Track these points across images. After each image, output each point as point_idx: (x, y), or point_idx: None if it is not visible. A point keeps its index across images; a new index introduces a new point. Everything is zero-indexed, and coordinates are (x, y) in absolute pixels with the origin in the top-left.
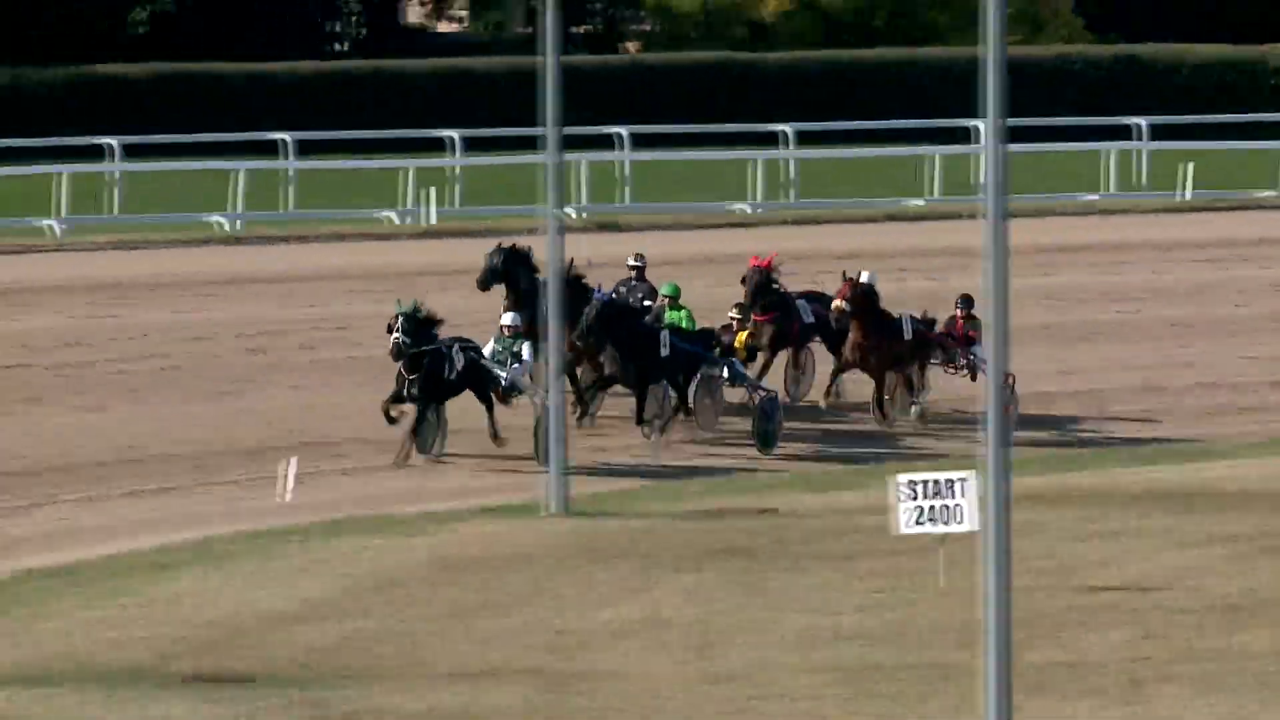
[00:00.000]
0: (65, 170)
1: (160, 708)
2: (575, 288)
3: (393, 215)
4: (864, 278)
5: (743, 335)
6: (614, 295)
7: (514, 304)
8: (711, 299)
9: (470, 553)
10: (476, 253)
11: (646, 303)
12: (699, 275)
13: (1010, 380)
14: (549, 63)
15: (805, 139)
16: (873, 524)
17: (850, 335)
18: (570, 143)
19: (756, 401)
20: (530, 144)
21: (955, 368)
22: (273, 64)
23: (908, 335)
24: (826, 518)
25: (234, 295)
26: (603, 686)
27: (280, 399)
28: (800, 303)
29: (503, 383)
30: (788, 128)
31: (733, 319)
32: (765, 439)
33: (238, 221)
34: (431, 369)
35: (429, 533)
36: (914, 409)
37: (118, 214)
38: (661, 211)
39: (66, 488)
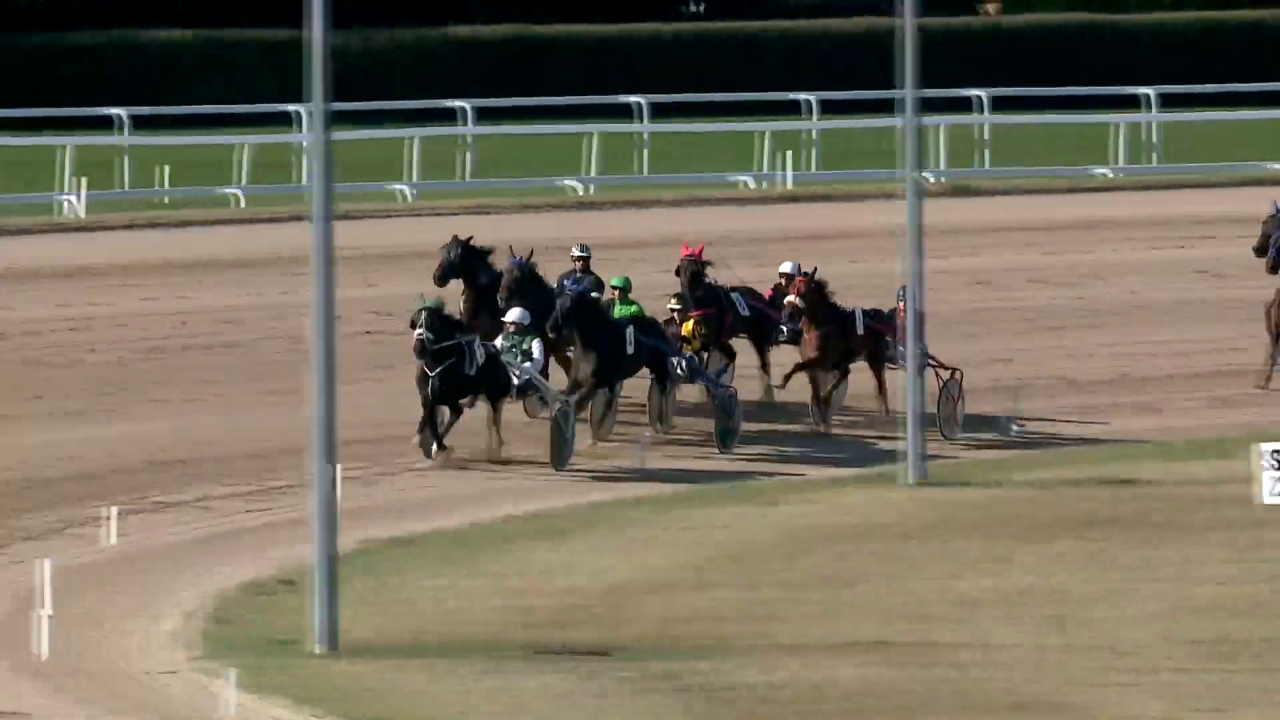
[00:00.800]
0: (417, 134)
1: (511, 680)
2: (532, 280)
3: (748, 179)
4: (787, 268)
5: (688, 326)
6: (581, 288)
7: (472, 299)
8: (1068, 265)
9: (825, 523)
10: (835, 218)
11: (594, 295)
12: (1054, 243)
13: (958, 376)
14: (907, 25)
15: (1170, 102)
16: (1235, 494)
17: (805, 333)
18: (928, 106)
19: (715, 399)
20: (887, 107)
21: (896, 364)
22: (626, 26)
23: (860, 330)
24: (1187, 488)
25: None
26: (963, 658)
27: None
28: (735, 296)
29: (517, 381)
30: (1151, 90)
31: (672, 311)
32: (725, 437)
33: (590, 186)
34: (452, 366)
35: (782, 503)
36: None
37: (469, 179)
38: (1020, 175)
39: (414, 456)
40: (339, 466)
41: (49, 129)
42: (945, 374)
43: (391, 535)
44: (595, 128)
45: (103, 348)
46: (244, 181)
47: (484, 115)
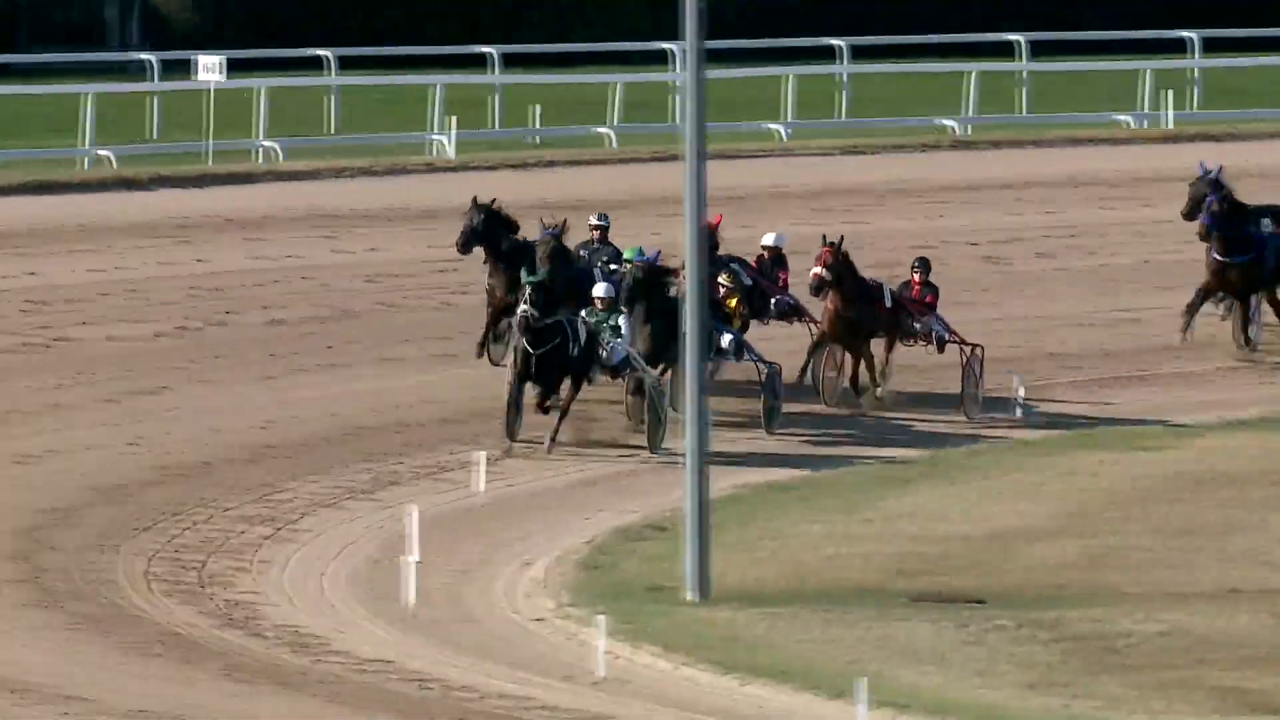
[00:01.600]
0: (792, 72)
1: (884, 628)
2: (563, 253)
3: (1129, 119)
4: (770, 240)
5: (732, 301)
6: (651, 258)
7: (495, 268)
8: None
9: (1214, 468)
10: (1215, 158)
11: (613, 267)
12: None
13: (979, 352)
14: None
15: None
16: None
17: (829, 305)
18: None
19: (763, 376)
20: (1274, 45)
21: (915, 339)
22: None
23: (888, 303)
24: None
25: (964, 201)
26: None
27: (1020, 308)
28: (734, 267)
29: (614, 359)
30: None
31: (722, 285)
32: (771, 415)
33: (968, 126)
34: (557, 346)
35: (1170, 447)
36: (879, 391)
37: (844, 118)
38: None
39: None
40: (710, 412)
41: (421, 67)
42: (967, 350)
43: (764, 480)
44: (973, 66)
45: (475, 289)
46: (616, 121)
47: (859, 54)
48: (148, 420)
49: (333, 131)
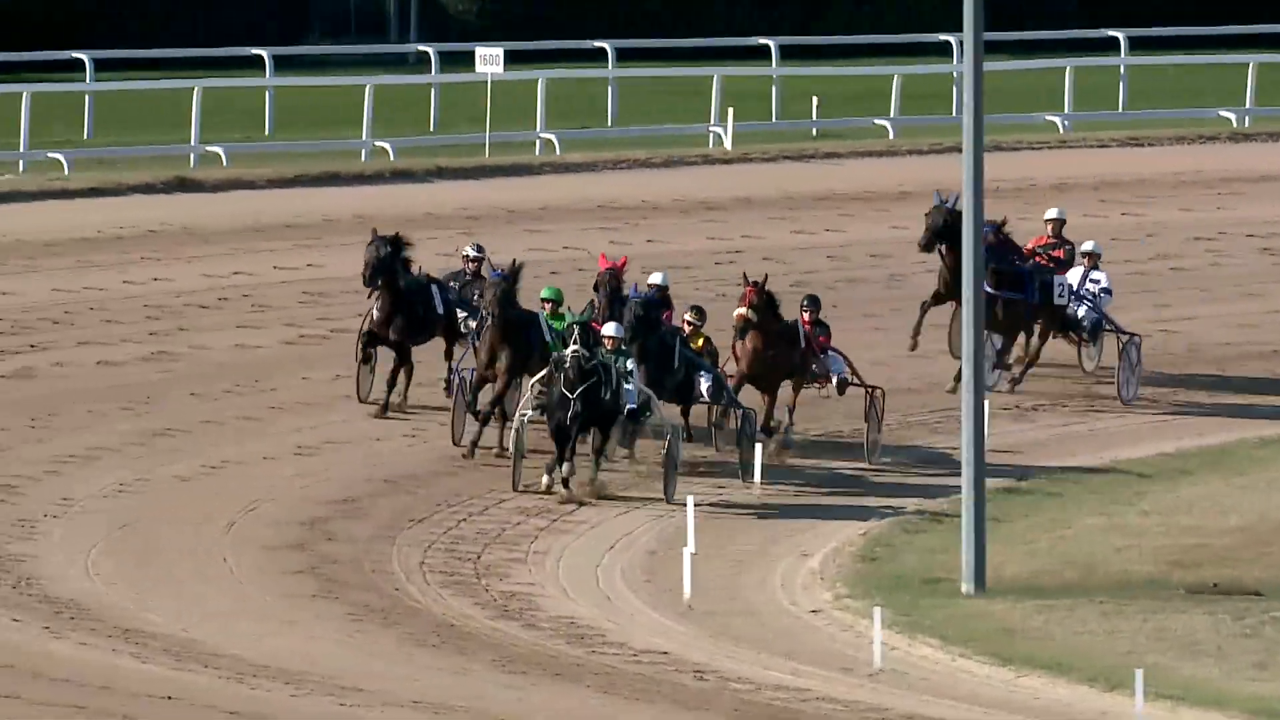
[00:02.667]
0: (1070, 64)
1: (1161, 620)
2: (512, 295)
3: None
4: (656, 279)
5: (698, 343)
6: (649, 296)
7: (389, 303)
8: None
9: None
10: None
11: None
12: None
13: (879, 395)
14: None
15: None
16: None
17: (750, 345)
18: None
19: (743, 425)
20: None
21: (816, 381)
22: None
23: (802, 344)
24: None
25: (1243, 193)
26: None
27: None
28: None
29: (629, 402)
30: None
31: (689, 323)
32: (748, 468)
33: (1246, 117)
34: (593, 386)
35: None
36: (787, 433)
37: (1123, 110)
38: None
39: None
40: (987, 403)
41: (699, 60)
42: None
43: (1040, 472)
44: (1253, 58)
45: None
46: (895, 113)
47: (1136, 45)
48: (425, 410)
49: (611, 123)
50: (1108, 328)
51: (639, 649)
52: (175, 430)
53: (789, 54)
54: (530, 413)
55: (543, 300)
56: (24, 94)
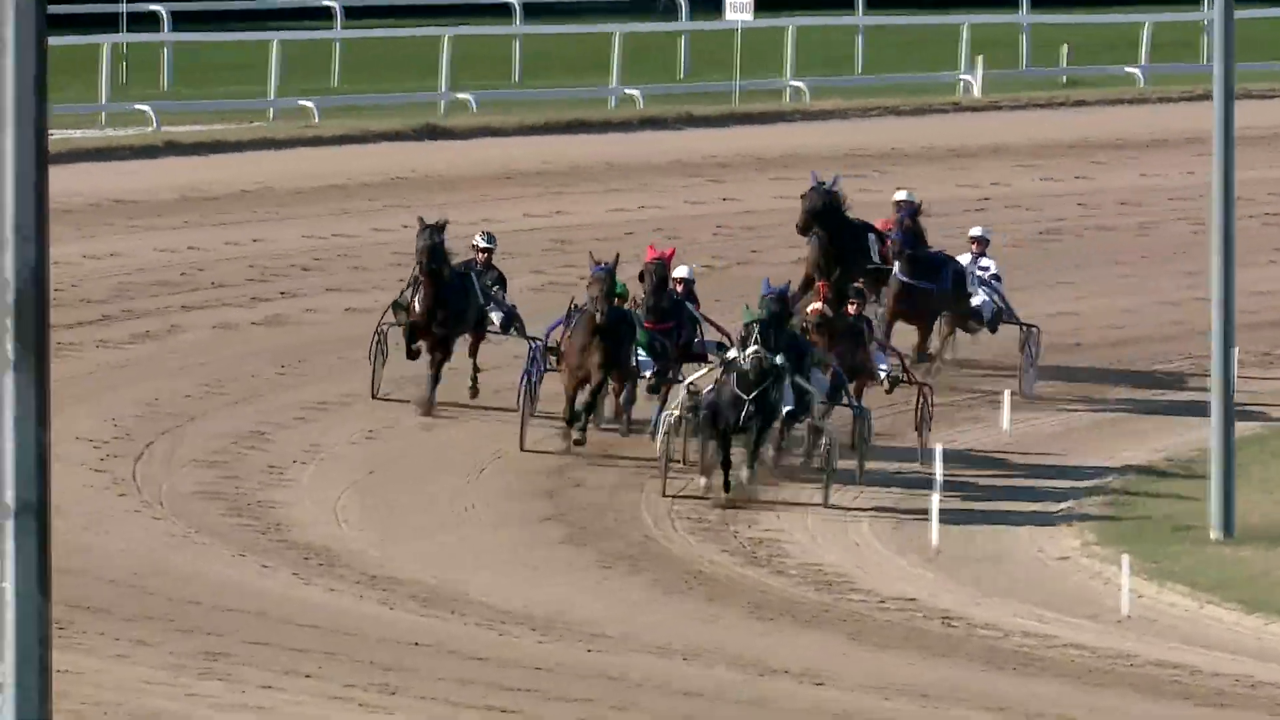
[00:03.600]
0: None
1: None
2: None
3: None
4: (682, 272)
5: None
6: (782, 289)
7: (432, 296)
8: None
9: None
10: None
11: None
12: None
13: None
14: None
15: None
16: None
17: (820, 341)
18: None
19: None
20: None
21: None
22: None
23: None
24: None
25: None
26: None
27: None
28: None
29: (786, 401)
30: None
31: (818, 311)
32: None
33: None
34: (769, 388)
35: None
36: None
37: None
38: None
39: None
40: (1236, 350)
41: (947, 7)
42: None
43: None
44: None
45: (1003, 226)
46: (1145, 60)
47: None
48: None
49: (859, 71)
50: (1007, 319)
51: (886, 596)
52: (422, 377)
53: (1039, 1)
54: (677, 413)
55: (618, 296)
56: (273, 41)
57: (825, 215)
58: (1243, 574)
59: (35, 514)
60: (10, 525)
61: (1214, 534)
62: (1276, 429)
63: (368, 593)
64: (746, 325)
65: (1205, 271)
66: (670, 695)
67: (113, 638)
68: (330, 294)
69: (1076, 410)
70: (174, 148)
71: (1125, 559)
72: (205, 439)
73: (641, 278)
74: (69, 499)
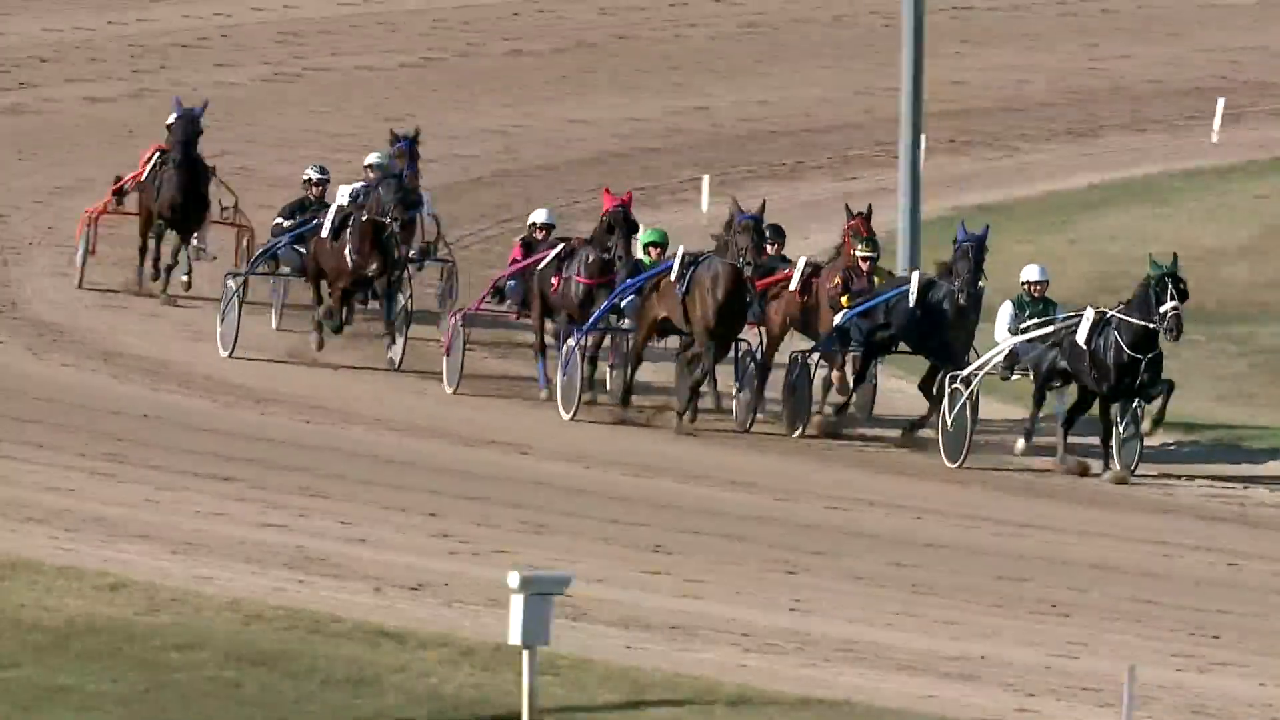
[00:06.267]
0: None
1: None
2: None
3: None
4: (539, 217)
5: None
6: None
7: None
8: None
9: None
10: None
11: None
12: None
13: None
14: None
15: None
16: None
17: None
18: None
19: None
20: None
21: None
22: None
23: None
24: None
25: None
26: None
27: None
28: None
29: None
30: None
31: (864, 258)
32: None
33: None
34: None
35: None
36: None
37: None
38: None
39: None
40: (924, 136)
41: None
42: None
43: (977, 202)
44: None
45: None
46: None
47: None
48: None
49: None
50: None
51: None
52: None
53: None
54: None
55: (646, 245)
56: None
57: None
58: None
59: None
60: None
61: None
62: (964, 210)
63: (100, 367)
64: (1159, 280)
65: (897, 64)
66: (383, 465)
67: None
68: (69, 84)
69: (780, 192)
70: None
71: None
72: None
73: (610, 229)
74: None
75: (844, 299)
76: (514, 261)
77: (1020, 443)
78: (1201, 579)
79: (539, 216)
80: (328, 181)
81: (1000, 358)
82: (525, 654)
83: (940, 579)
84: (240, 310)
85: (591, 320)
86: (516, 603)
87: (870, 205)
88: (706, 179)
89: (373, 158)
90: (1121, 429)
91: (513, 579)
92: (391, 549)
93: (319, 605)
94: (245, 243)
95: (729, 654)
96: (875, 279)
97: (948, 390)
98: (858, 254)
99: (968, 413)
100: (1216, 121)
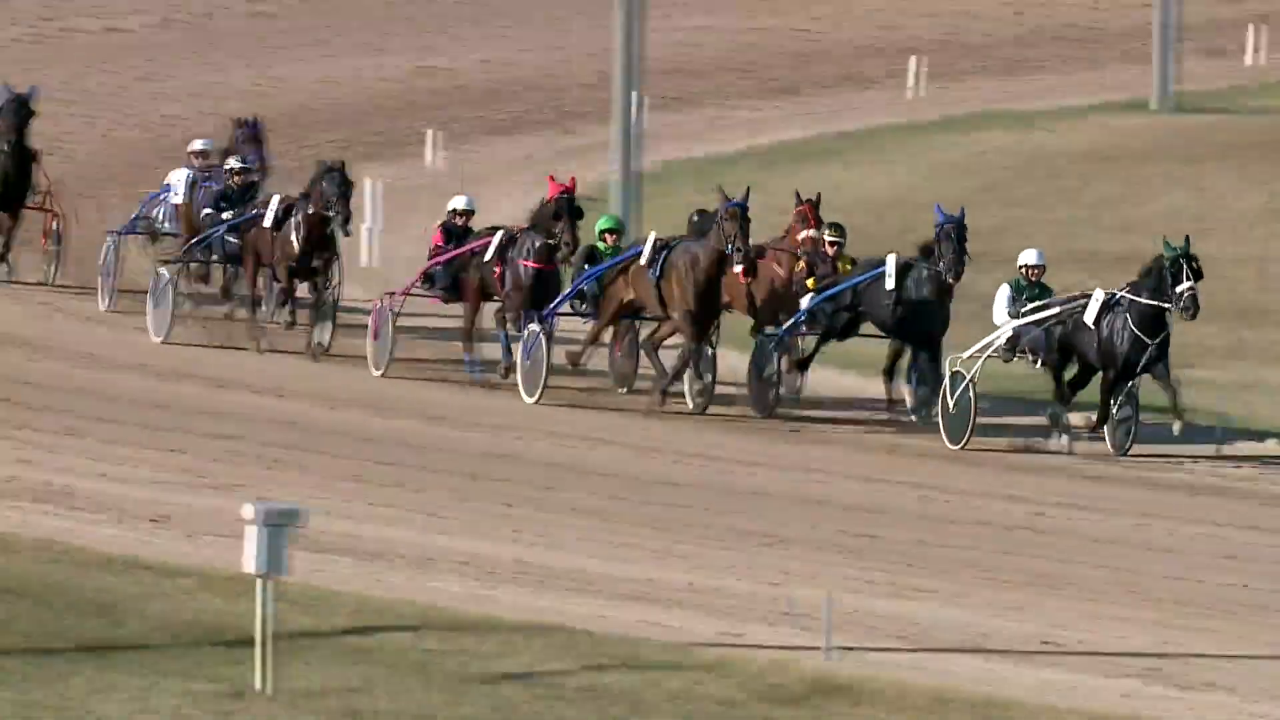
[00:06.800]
0: None
1: None
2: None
3: None
4: (459, 203)
5: (847, 266)
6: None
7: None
8: None
9: (1073, 147)
10: None
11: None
12: None
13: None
14: None
15: None
16: None
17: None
18: None
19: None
20: None
21: None
22: None
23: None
24: None
25: None
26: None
27: None
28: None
29: None
30: None
31: (832, 243)
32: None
33: None
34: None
35: (1047, 128)
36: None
37: None
38: None
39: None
40: (643, 93)
41: None
42: None
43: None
44: None
45: None
46: None
47: None
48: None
49: None
50: None
51: None
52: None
53: None
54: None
55: (602, 231)
56: None
57: None
58: None
59: None
60: None
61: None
62: (695, 161)
63: None
64: (1174, 261)
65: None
66: (146, 409)
67: None
68: None
69: (505, 147)
70: None
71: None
72: None
73: (556, 216)
74: None
75: (809, 282)
76: (439, 248)
77: (1062, 438)
78: (914, 512)
79: (459, 203)
80: (250, 170)
81: (1002, 340)
82: (260, 582)
83: (671, 515)
84: (174, 297)
85: (554, 305)
86: (250, 533)
87: (819, 193)
88: (430, 132)
89: (198, 144)
90: (1116, 410)
91: (247, 510)
92: (136, 483)
93: (67, 537)
94: (55, 227)
95: (467, 585)
96: (839, 265)
97: (948, 372)
98: (826, 238)
99: (971, 394)
100: (910, 79)
